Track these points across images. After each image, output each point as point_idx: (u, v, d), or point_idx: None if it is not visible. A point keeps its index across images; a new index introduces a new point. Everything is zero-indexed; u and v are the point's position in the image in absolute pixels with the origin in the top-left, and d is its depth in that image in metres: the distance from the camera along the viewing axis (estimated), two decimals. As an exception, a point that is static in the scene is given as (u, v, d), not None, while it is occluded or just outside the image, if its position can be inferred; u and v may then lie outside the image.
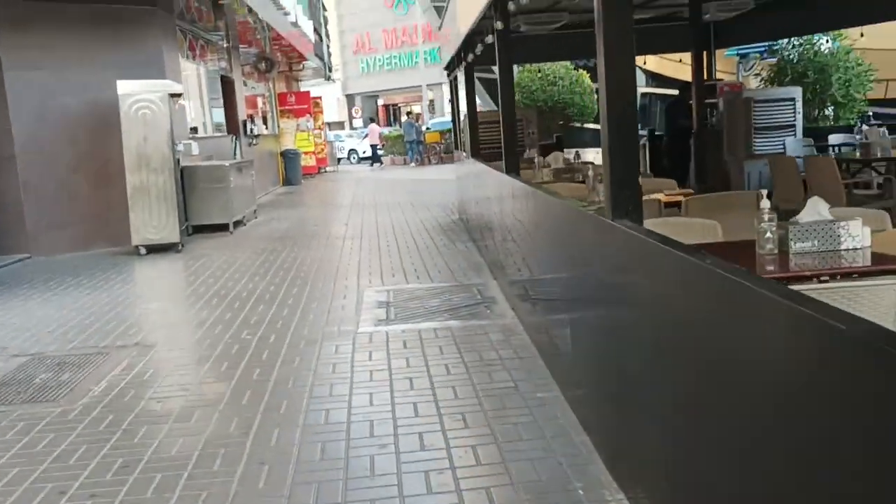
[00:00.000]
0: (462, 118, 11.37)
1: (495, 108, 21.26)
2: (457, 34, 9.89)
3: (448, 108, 57.86)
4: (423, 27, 50.98)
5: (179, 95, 10.28)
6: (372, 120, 34.39)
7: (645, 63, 16.62)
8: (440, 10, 12.13)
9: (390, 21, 62.23)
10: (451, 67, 11.17)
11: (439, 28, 11.39)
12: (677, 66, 15.98)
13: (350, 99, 66.52)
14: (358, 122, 59.30)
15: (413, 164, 28.60)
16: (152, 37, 10.67)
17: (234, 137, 15.53)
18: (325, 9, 26.78)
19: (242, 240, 10.62)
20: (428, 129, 33.08)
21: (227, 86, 15.44)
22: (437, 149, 29.30)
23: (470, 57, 9.87)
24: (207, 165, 11.30)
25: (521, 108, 12.32)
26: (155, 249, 9.68)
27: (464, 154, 11.24)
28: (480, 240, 8.60)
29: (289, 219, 13.01)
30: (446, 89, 58.41)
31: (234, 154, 15.22)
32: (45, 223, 9.89)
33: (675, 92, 16.35)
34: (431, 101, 59.95)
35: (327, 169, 27.21)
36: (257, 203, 15.10)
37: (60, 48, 9.96)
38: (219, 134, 14.21)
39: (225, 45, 15.34)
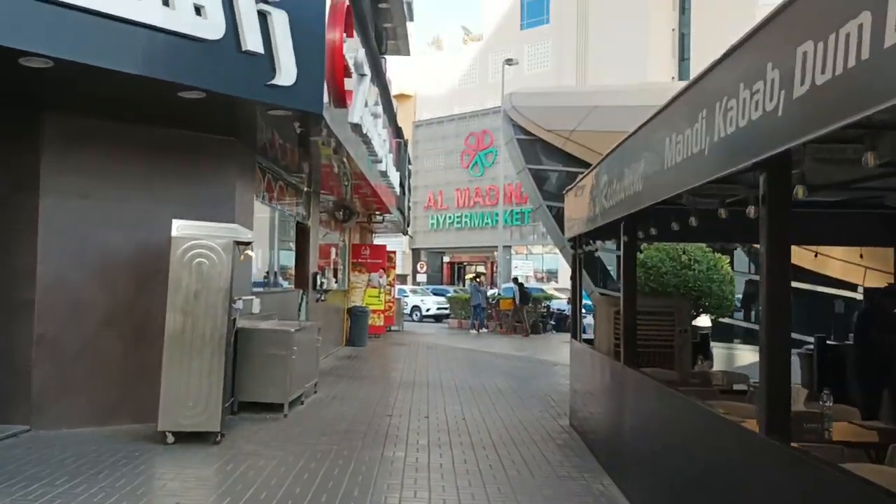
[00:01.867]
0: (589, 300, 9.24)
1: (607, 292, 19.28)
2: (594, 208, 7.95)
3: (515, 271, 56.44)
4: (507, 188, 50.49)
5: (248, 244, 8.41)
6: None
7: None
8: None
9: (465, 181, 62.33)
10: (578, 241, 9.17)
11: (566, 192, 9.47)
12: (815, 260, 13.77)
13: (416, 253, 65.85)
14: (421, 277, 58.12)
15: (474, 331, 26.40)
16: (226, 173, 8.98)
17: (303, 293, 13.65)
18: (410, 162, 25.64)
19: (299, 429, 8.38)
20: (499, 294, 31.17)
21: (302, 234, 13.74)
22: (510, 318, 27.19)
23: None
24: (269, 330, 9.27)
25: (668, 295, 10.14)
26: (187, 437, 7.48)
27: (586, 346, 9.02)
28: (619, 472, 6.23)
29: (355, 398, 10.77)
30: (516, 252, 56.93)
31: (300, 313, 13.29)
32: (56, 388, 7.84)
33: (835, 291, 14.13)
34: (494, 263, 58.64)
35: (393, 328, 25.21)
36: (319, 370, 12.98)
37: (115, 176, 8.28)
38: (285, 287, 12.32)
39: (305, 189, 13.76)
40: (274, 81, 7.34)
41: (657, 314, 7.89)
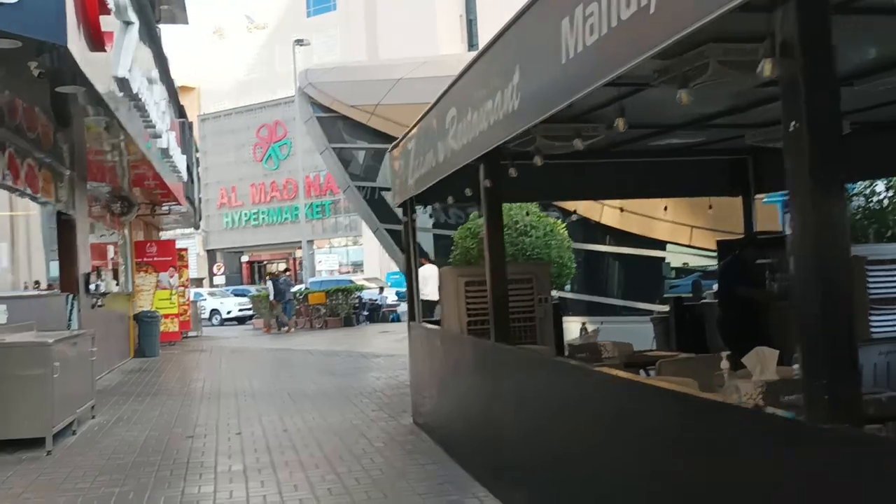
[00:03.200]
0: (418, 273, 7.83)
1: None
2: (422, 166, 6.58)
3: (320, 266, 54.52)
4: (306, 180, 48.20)
5: None
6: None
7: (601, 218, 13.88)
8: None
9: (259, 175, 59.36)
10: (408, 207, 7.74)
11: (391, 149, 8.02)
12: (646, 221, 13.29)
13: (211, 254, 62.03)
14: (219, 279, 54.61)
15: (284, 329, 24.30)
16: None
17: (71, 297, 11.23)
18: (197, 149, 23.12)
19: (67, 469, 6.32)
20: (307, 288, 29.30)
21: (66, 228, 11.29)
22: (321, 311, 25.42)
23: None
24: (18, 344, 7.07)
25: (528, 262, 8.93)
26: None
27: (424, 324, 7.62)
28: (497, 480, 4.89)
29: (145, 419, 8.72)
30: (318, 247, 55.04)
31: (70, 321, 10.90)
32: None
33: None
34: (298, 260, 56.45)
35: (191, 333, 22.63)
36: (97, 388, 10.66)
37: None
38: (45, 292, 9.94)
39: (67, 173, 11.32)
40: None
41: (513, 282, 6.62)
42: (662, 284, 14.15)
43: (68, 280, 11.31)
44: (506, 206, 10.50)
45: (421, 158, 6.43)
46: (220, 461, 6.50)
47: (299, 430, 7.70)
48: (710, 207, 8.78)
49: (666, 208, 9.68)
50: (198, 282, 57.72)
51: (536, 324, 6.61)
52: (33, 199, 9.56)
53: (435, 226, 17.12)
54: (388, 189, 18.43)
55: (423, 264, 17.34)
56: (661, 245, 13.48)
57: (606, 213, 13.69)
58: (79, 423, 8.13)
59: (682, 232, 13.08)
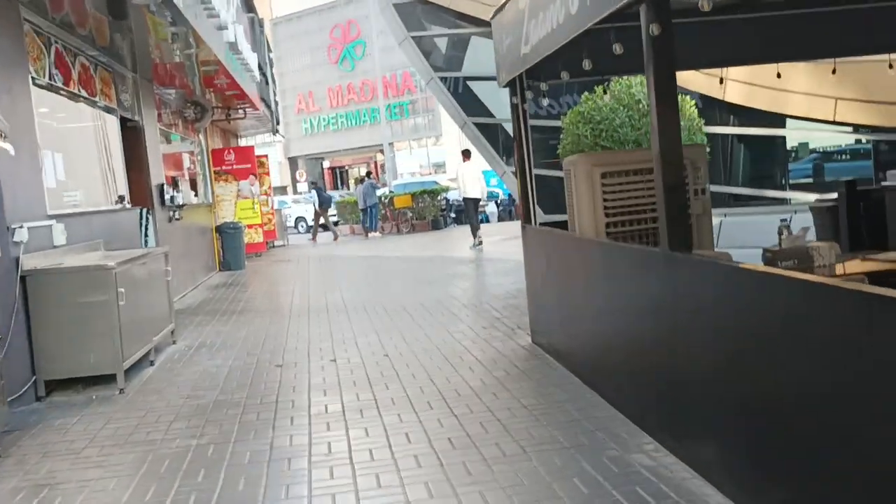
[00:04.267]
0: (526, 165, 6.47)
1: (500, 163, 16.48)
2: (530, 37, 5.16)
3: (401, 168, 53.50)
4: (384, 80, 46.55)
5: None
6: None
7: (724, 95, 12.06)
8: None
9: (335, 78, 58.05)
10: (518, 86, 6.33)
11: (493, 16, 6.56)
12: (778, 95, 11.47)
13: (293, 162, 61.75)
14: (302, 187, 54.29)
15: (378, 233, 23.60)
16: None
17: (145, 211, 10.36)
18: (269, 48, 21.87)
19: (141, 412, 5.41)
20: (391, 192, 28.30)
21: (132, 135, 10.31)
22: (409, 215, 24.41)
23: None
24: (76, 268, 6.12)
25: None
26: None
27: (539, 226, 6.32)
28: (674, 429, 3.66)
29: (230, 343, 7.81)
30: (397, 149, 53.91)
31: (146, 238, 10.05)
32: None
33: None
34: (380, 164, 55.54)
35: (276, 243, 22.01)
36: (180, 308, 9.88)
37: None
38: (116, 207, 9.02)
39: (129, 76, 10.26)
40: None
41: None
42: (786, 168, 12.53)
43: (140, 193, 10.41)
44: (624, 81, 8.97)
45: (541, 15, 4.98)
46: (314, 399, 5.47)
47: (402, 355, 6.63)
48: (892, 67, 7.03)
49: (835, 71, 7.95)
50: (281, 190, 57.73)
51: (693, 222, 5.21)
52: (90, 103, 8.53)
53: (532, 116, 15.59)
54: (475, 79, 16.93)
55: (465, 161, 16.62)
56: (791, 123, 11.74)
57: (730, 88, 11.90)
58: (157, 351, 7.29)
59: (821, 106, 11.23)
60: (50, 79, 7.23)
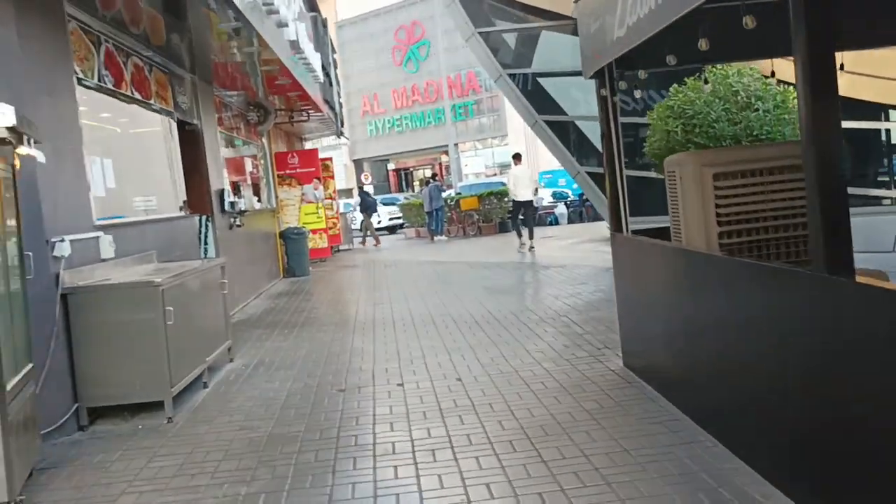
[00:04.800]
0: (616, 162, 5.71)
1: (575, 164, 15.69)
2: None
3: (466, 169, 52.84)
4: (448, 80, 45.82)
5: (21, 139, 4.52)
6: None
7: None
8: None
9: (400, 80, 57.81)
10: (606, 77, 5.58)
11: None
12: (887, 84, 10.42)
13: (358, 164, 61.73)
14: (367, 189, 54.09)
15: (444, 237, 22.97)
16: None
17: (205, 219, 9.92)
18: (334, 49, 21.46)
19: (187, 449, 4.85)
20: (458, 193, 27.66)
21: (190, 140, 9.87)
22: (475, 218, 23.71)
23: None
24: (119, 286, 5.60)
25: (790, 143, 6.65)
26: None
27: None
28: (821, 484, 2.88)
29: (290, 361, 7.24)
30: (462, 150, 53.26)
31: (205, 247, 9.60)
32: None
33: None
34: (444, 166, 54.99)
35: (341, 248, 21.59)
36: (240, 319, 9.41)
37: None
38: (171, 215, 8.55)
39: (188, 77, 9.83)
40: None
41: (773, 171, 4.45)
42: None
43: (199, 199, 9.96)
44: (719, 71, 8.11)
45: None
46: (380, 434, 4.82)
47: (477, 380, 5.93)
48: None
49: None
50: (346, 193, 57.75)
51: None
52: (144, 105, 8.08)
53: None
54: (545, 75, 16.15)
55: (516, 164, 16.79)
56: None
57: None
58: (213, 370, 6.77)
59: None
60: (99, 80, 6.77)
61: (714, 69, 8.21)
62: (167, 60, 8.91)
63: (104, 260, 6.11)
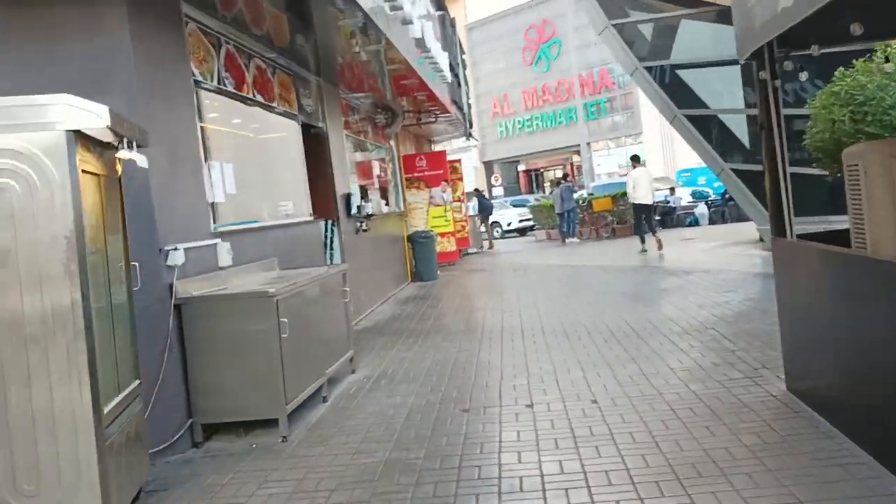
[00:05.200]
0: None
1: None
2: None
3: (598, 169, 51.57)
4: (580, 78, 44.86)
5: (122, 141, 4.27)
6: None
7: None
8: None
9: (530, 80, 57.14)
10: (766, 58, 4.84)
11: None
12: None
13: (488, 166, 61.49)
14: (497, 191, 53.64)
15: (576, 239, 22.20)
16: (103, 23, 4.98)
17: (330, 224, 9.73)
18: (462, 50, 21.14)
19: (299, 473, 4.50)
20: (591, 194, 26.81)
21: (316, 143, 9.72)
22: (608, 219, 22.80)
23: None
24: (231, 296, 5.34)
25: None
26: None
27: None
28: None
29: (412, 376, 6.84)
30: (594, 149, 52.05)
31: (331, 252, 9.41)
32: None
33: None
34: (576, 166, 53.88)
35: (470, 251, 21.23)
36: (366, 326, 9.14)
37: None
38: (293, 220, 8.36)
39: (313, 80, 9.68)
40: None
41: None
42: None
43: (324, 204, 9.79)
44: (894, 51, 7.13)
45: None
46: (506, 466, 4.30)
47: (615, 402, 5.32)
48: None
49: None
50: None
51: None
52: (267, 108, 7.92)
53: (753, 105, 13.66)
54: (685, 66, 15.15)
55: (635, 166, 16.65)
56: None
57: None
58: (333, 382, 6.47)
59: None
60: (219, 83, 6.61)
61: (887, 47, 7.22)
62: (291, 62, 8.75)
63: (222, 268, 5.91)
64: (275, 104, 8.11)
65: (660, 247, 15.67)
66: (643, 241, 16.31)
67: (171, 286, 5.10)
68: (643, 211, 16.48)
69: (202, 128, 6.13)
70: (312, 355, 5.89)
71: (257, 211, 7.41)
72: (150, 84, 5.20)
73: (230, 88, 6.89)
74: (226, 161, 6.68)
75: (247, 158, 7.41)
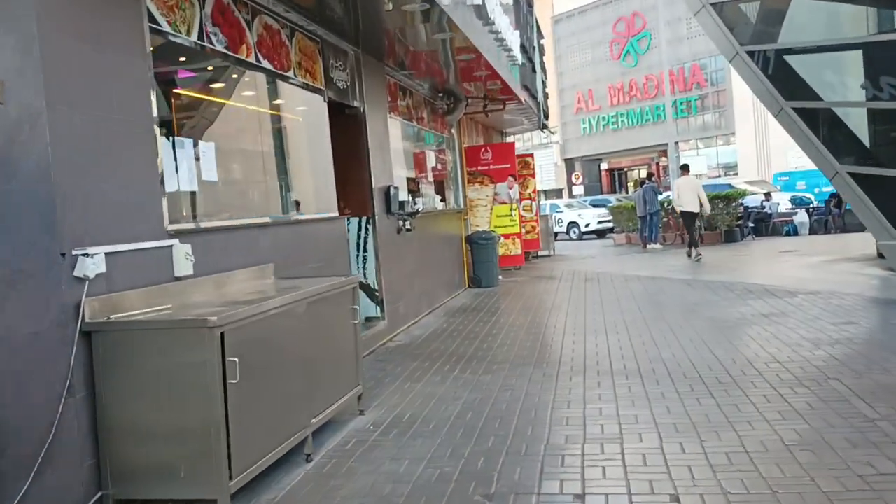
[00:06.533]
0: None
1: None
2: None
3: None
4: (672, 75, 42.34)
5: None
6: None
7: None
8: None
9: (617, 75, 54.76)
10: None
11: None
12: None
13: (569, 164, 59.37)
14: (577, 189, 51.46)
15: (658, 245, 20.20)
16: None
17: (364, 221, 8.23)
18: (540, 33, 19.38)
19: None
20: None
21: (350, 125, 8.22)
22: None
23: None
24: (153, 323, 3.83)
25: None
26: None
27: None
28: None
29: (432, 426, 5.25)
30: (682, 149, 49.31)
31: (363, 254, 7.92)
32: None
33: None
34: (662, 166, 51.18)
35: (540, 254, 19.48)
36: (400, 343, 7.59)
37: None
38: (302, 217, 6.86)
39: (351, 51, 8.19)
40: None
41: None
42: None
43: (358, 197, 8.31)
44: None
45: None
46: None
47: (704, 502, 3.61)
48: None
49: None
50: (556, 193, 55.49)
51: None
52: (280, 77, 6.44)
53: (874, 98, 11.54)
54: (795, 52, 13.10)
55: (683, 175, 17.14)
56: None
57: None
58: (329, 428, 4.94)
59: None
60: (200, 38, 5.15)
61: None
62: (318, 27, 7.26)
63: (178, 278, 4.44)
64: (290, 73, 6.62)
65: (696, 255, 15.87)
66: (696, 246, 16.37)
67: (78, 306, 3.64)
68: (692, 218, 16.72)
69: (166, 93, 4.68)
70: (287, 404, 4.36)
71: (251, 204, 5.94)
72: (62, 14, 3.75)
73: (220, 48, 5.42)
74: (206, 139, 5.21)
75: (241, 138, 5.95)
